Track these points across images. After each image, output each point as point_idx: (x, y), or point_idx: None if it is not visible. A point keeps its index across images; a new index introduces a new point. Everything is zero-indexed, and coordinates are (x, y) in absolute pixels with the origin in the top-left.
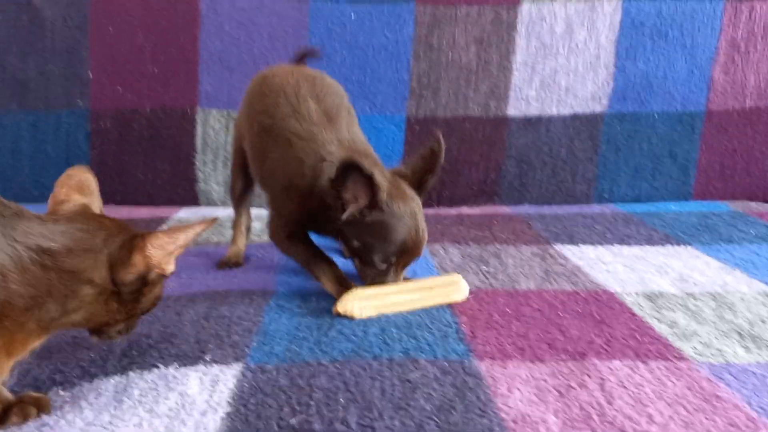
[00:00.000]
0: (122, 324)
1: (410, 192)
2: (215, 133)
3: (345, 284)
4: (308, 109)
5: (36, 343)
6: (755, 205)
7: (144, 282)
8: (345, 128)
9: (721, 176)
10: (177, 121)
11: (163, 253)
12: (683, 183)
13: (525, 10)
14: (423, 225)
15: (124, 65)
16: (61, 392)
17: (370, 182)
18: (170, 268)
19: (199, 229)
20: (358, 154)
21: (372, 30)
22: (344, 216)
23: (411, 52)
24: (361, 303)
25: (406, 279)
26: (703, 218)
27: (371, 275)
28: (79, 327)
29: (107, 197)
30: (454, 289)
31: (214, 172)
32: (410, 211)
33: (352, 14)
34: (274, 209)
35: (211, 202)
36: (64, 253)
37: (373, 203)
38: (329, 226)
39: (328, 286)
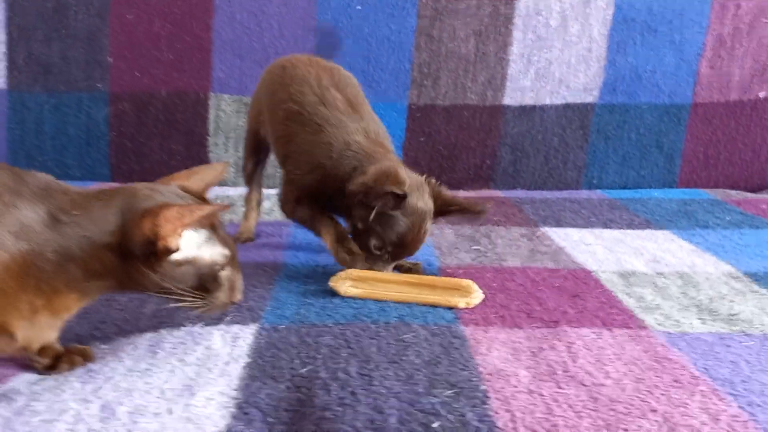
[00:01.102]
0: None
1: (428, 198)
2: (227, 117)
3: (343, 240)
4: (334, 98)
5: (78, 305)
6: (735, 194)
7: (154, 251)
8: (368, 117)
9: (705, 165)
10: (191, 105)
11: (172, 226)
12: (669, 171)
13: (522, 4)
14: (427, 228)
15: (141, 51)
16: (102, 345)
17: (399, 202)
18: (174, 243)
19: (211, 210)
20: (380, 147)
21: (376, 21)
22: (371, 217)
23: (413, 43)
24: (350, 282)
25: (415, 272)
26: (683, 205)
27: (363, 255)
28: (116, 291)
29: (125, 176)
30: (460, 294)
31: (225, 154)
32: (420, 212)
33: (358, 5)
34: (290, 182)
35: (222, 182)
36: (79, 216)
37: (397, 205)
38: (339, 203)
39: (327, 238)
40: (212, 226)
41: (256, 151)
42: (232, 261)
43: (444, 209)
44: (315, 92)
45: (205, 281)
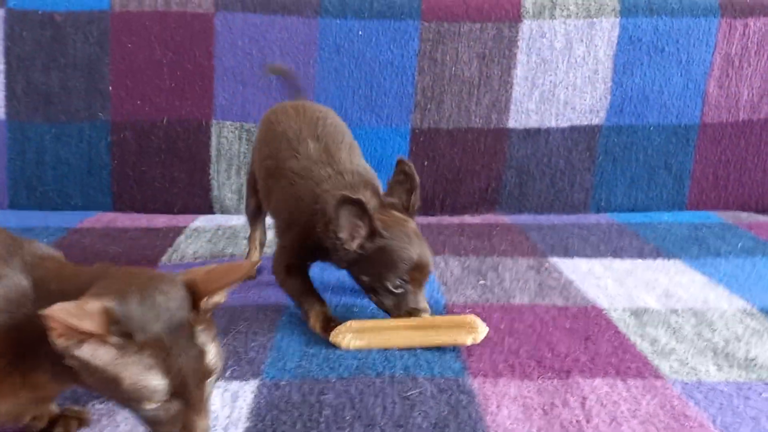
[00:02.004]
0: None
1: (403, 217)
2: (229, 144)
3: (330, 326)
4: (307, 149)
5: (55, 388)
6: (746, 216)
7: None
8: (346, 160)
9: (715, 187)
10: (193, 132)
11: (59, 329)
12: (678, 193)
13: (526, 26)
14: (425, 243)
15: (142, 79)
16: (98, 406)
17: (362, 211)
18: (62, 344)
19: (94, 327)
20: (352, 186)
21: (378, 46)
22: (345, 257)
23: (416, 67)
24: (351, 335)
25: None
26: (694, 230)
27: (392, 305)
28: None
29: (127, 205)
30: (466, 331)
31: (228, 181)
32: (408, 232)
33: (360, 30)
34: (279, 247)
35: (225, 209)
36: (56, 293)
37: (372, 233)
38: (334, 256)
39: (316, 325)
40: (159, 345)
41: (257, 192)
42: (185, 395)
43: (407, 205)
44: (291, 146)
45: (134, 411)
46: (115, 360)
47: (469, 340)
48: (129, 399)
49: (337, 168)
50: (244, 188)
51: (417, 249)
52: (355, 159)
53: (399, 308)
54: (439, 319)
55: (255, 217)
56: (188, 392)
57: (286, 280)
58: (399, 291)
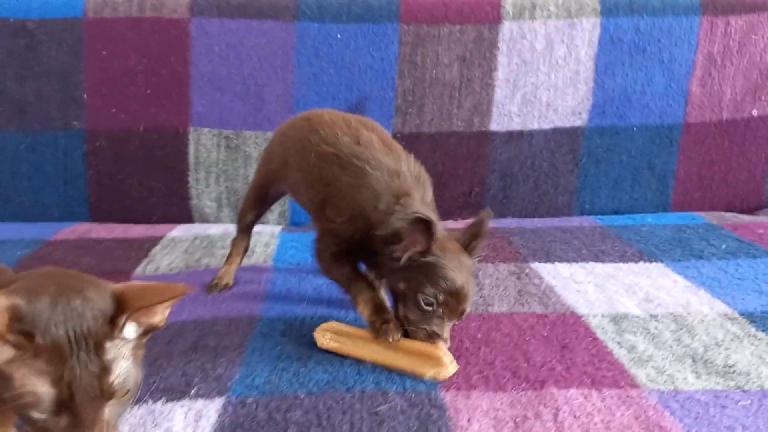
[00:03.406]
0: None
1: (462, 250)
2: (207, 151)
3: (382, 313)
4: (369, 138)
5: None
6: (730, 216)
7: None
8: (401, 152)
9: (699, 187)
10: (170, 140)
11: None
12: (662, 194)
13: (506, 28)
14: (473, 281)
15: (117, 87)
16: None
17: (429, 232)
18: None
19: None
20: (412, 188)
21: (357, 49)
22: (390, 263)
23: (396, 71)
24: (330, 335)
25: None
26: (677, 232)
27: (415, 320)
28: None
29: (104, 215)
30: (431, 365)
31: (207, 189)
32: (462, 261)
33: (338, 34)
34: (327, 233)
35: (204, 218)
36: None
37: (427, 250)
38: (377, 260)
39: (364, 311)
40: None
41: (262, 203)
42: (74, 412)
43: (469, 247)
44: (348, 133)
45: (24, 419)
46: (10, 359)
47: (429, 374)
48: (17, 404)
49: (398, 164)
50: (244, 199)
51: (464, 278)
52: (410, 156)
53: (421, 325)
54: (415, 344)
55: (248, 227)
56: (79, 409)
57: (332, 267)
58: (428, 309)
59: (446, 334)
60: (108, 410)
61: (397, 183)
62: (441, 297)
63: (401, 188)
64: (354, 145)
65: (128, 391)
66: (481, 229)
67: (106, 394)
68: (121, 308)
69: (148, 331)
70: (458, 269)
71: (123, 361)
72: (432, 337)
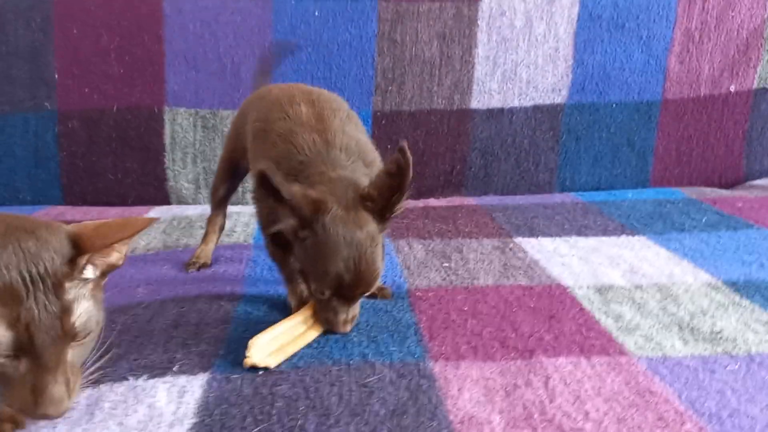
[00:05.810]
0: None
1: (364, 220)
2: (183, 131)
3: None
4: (298, 112)
5: None
6: (709, 191)
7: None
8: (338, 129)
9: (678, 163)
10: (145, 120)
11: None
12: (641, 170)
13: (485, 5)
14: (370, 258)
15: (89, 66)
16: None
17: (270, 183)
18: None
19: None
20: (334, 162)
21: (336, 26)
22: (272, 229)
23: (375, 48)
24: (264, 354)
25: (382, 296)
26: (658, 206)
27: (319, 307)
28: None
29: (78, 198)
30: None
31: (183, 170)
32: (351, 240)
33: (316, 11)
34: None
35: (181, 200)
36: None
37: (303, 221)
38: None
39: (292, 301)
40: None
41: (231, 176)
42: (35, 354)
43: (385, 206)
44: (282, 109)
45: None
46: None
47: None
48: None
49: (324, 136)
50: (215, 174)
51: (352, 264)
52: (349, 129)
53: (321, 313)
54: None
55: (222, 202)
56: (40, 351)
57: (269, 249)
58: (323, 298)
59: (343, 316)
60: (71, 352)
61: (299, 157)
62: (327, 292)
63: (303, 162)
64: (279, 120)
65: (90, 332)
66: (401, 184)
67: (68, 334)
68: (80, 249)
69: (106, 272)
70: (346, 255)
71: (84, 301)
72: (330, 322)
